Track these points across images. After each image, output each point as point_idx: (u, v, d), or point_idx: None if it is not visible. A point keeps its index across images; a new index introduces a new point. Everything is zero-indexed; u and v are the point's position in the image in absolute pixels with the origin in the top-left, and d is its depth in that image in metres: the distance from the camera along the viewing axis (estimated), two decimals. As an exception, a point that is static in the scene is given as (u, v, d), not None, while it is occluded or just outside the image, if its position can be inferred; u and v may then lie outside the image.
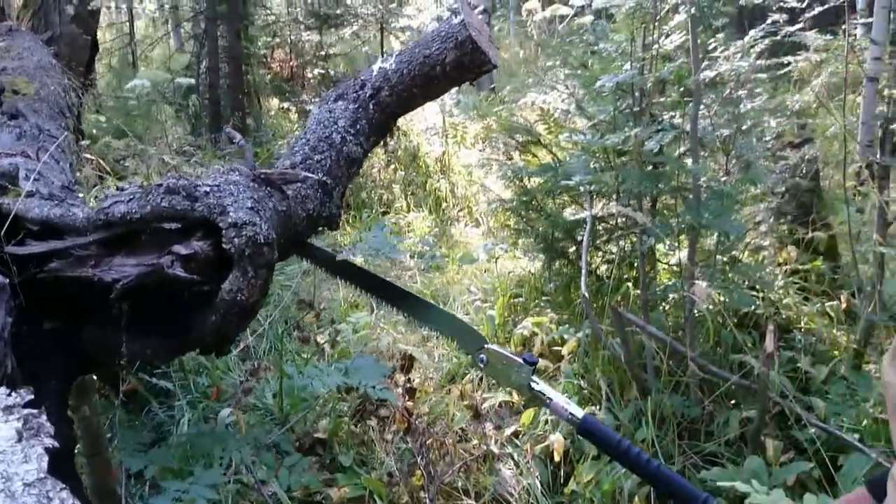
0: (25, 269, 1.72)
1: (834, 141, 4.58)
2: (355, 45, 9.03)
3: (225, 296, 1.57)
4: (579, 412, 1.54)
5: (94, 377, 2.46)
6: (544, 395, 1.58)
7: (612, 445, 1.49)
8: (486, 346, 1.66)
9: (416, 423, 3.27)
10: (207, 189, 1.60)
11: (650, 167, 3.38)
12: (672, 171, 3.28)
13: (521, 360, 1.60)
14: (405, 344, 3.93)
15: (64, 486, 0.98)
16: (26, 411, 1.07)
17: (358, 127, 2.12)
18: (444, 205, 6.96)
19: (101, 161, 4.29)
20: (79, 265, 1.67)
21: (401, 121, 7.81)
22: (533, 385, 1.59)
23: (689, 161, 3.16)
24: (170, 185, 1.59)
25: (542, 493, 2.99)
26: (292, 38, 9.08)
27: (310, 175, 1.86)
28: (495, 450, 3.20)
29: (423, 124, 8.07)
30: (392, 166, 7.42)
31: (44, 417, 1.06)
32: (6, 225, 1.75)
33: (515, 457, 3.18)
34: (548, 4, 7.60)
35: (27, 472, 0.97)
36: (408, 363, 3.59)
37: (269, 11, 9.30)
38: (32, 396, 1.11)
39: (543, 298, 4.25)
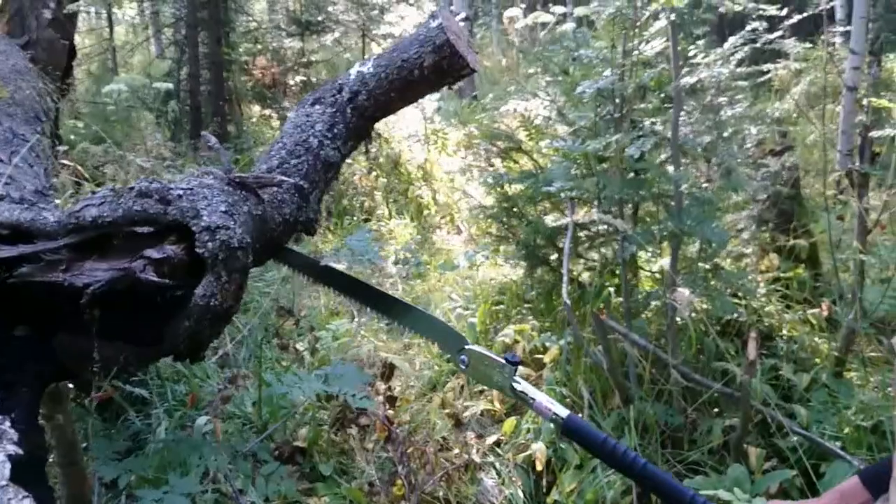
0: (-6, 274, 1.68)
1: (814, 149, 4.60)
2: (337, 51, 8.99)
3: (198, 301, 1.54)
4: (563, 411, 1.50)
5: (70, 385, 2.41)
6: (527, 394, 1.55)
7: (598, 444, 1.46)
8: (467, 346, 1.64)
9: (397, 432, 3.23)
10: (181, 192, 1.57)
11: (631, 174, 3.38)
12: (653, 178, 3.28)
13: (503, 361, 1.57)
14: (386, 352, 3.90)
15: (27, 493, 0.95)
16: (-12, 419, 1.04)
17: (335, 131, 2.09)
18: (425, 212, 6.94)
19: (80, 167, 4.24)
20: (49, 270, 1.64)
21: (382, 127, 7.81)
22: (515, 385, 1.56)
23: (670, 168, 3.15)
24: (142, 188, 1.56)
25: (524, 502, 2.96)
26: (274, 44, 9.02)
27: (286, 179, 1.83)
28: (477, 459, 3.17)
29: (404, 131, 8.05)
30: (374, 173, 7.38)
31: (7, 424, 1.03)
32: (-25, 229, 1.71)
33: (497, 466, 3.16)
34: (529, 12, 7.61)
35: (-13, 482, 0.94)
36: (388, 371, 3.56)
37: (250, 18, 9.25)
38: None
39: (525, 306, 4.23)
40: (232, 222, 1.56)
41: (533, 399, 1.55)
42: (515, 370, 1.57)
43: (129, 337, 1.67)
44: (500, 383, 1.58)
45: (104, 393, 2.34)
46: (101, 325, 1.61)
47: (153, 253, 1.51)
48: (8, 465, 0.98)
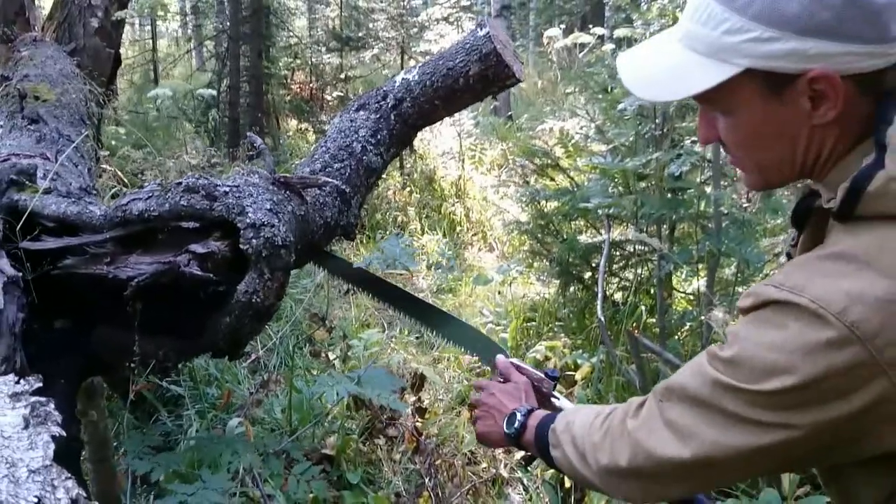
0: (39, 265, 1.70)
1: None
2: (375, 68, 9.08)
3: (240, 297, 1.54)
4: None
5: (104, 383, 2.43)
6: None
7: None
8: (506, 358, 1.61)
9: (425, 444, 3.22)
10: (227, 189, 1.58)
11: (669, 193, 3.36)
12: (692, 198, 3.25)
13: (542, 375, 1.53)
14: (416, 363, 3.89)
15: (70, 475, 0.96)
16: (34, 399, 1.05)
17: (379, 137, 2.10)
18: (458, 229, 6.94)
19: (119, 172, 4.30)
20: (93, 262, 1.66)
21: (417, 143, 7.85)
22: (554, 401, 1.52)
23: (709, 188, 3.13)
24: (189, 183, 1.58)
25: (551, 519, 2.93)
26: (313, 59, 9.14)
27: (329, 180, 1.84)
28: (505, 474, 3.15)
29: (439, 148, 8.08)
30: (408, 189, 7.41)
31: (52, 406, 1.04)
32: (22, 221, 1.74)
33: (525, 482, 3.13)
34: (568, 33, 7.64)
35: (32, 459, 0.94)
36: (419, 382, 3.55)
37: (291, 33, 9.37)
38: (41, 384, 1.08)
39: (557, 323, 4.21)
40: (276, 220, 1.57)
41: None
42: (555, 385, 1.54)
43: (170, 331, 1.68)
44: (537, 398, 1.53)
45: (143, 384, 2.35)
46: (141, 319, 1.62)
47: (198, 248, 1.52)
48: (52, 446, 0.99)
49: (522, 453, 3.04)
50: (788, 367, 0.90)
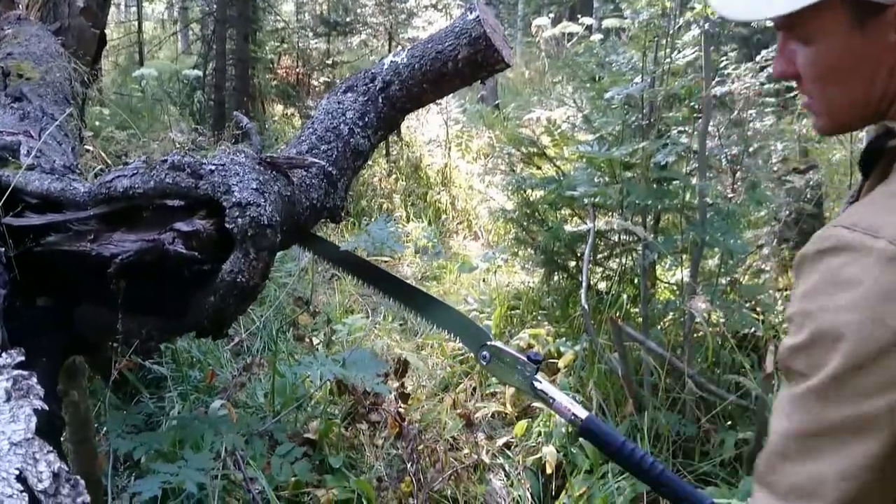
0: (22, 242, 1.69)
1: (839, 168, 4.58)
2: (362, 53, 9.03)
3: (225, 276, 1.53)
4: (583, 412, 1.47)
5: (85, 364, 2.42)
6: (547, 394, 1.52)
7: (616, 447, 1.43)
8: (489, 342, 1.61)
9: (408, 429, 3.23)
10: (213, 168, 1.57)
11: (655, 183, 3.37)
12: (677, 188, 3.27)
13: (524, 358, 1.54)
14: (400, 349, 3.90)
15: (51, 448, 0.95)
16: (16, 372, 1.04)
17: (366, 120, 2.09)
18: (443, 217, 6.94)
19: (103, 153, 4.26)
20: (77, 239, 1.64)
21: (404, 131, 7.83)
22: (536, 384, 1.53)
23: (694, 179, 3.15)
24: (175, 161, 1.56)
25: (532, 504, 2.95)
26: (300, 44, 9.08)
27: (316, 161, 1.83)
28: (486, 460, 3.16)
29: (426, 136, 8.06)
30: (393, 176, 7.40)
31: (34, 379, 1.03)
32: (5, 197, 1.72)
33: (507, 468, 3.14)
34: (556, 23, 7.62)
35: (14, 432, 0.93)
36: (402, 368, 3.55)
37: (277, 17, 9.30)
38: (23, 358, 1.07)
39: (541, 311, 4.22)
40: (262, 200, 1.56)
41: (553, 399, 1.51)
42: (537, 369, 1.54)
43: (153, 310, 1.67)
44: (520, 381, 1.56)
45: (126, 363, 2.34)
46: (125, 298, 1.61)
47: (183, 226, 1.51)
48: (34, 419, 0.98)
49: (505, 439, 3.04)
50: (879, 322, 0.79)
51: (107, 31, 5.35)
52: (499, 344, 1.61)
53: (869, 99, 0.95)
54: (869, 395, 0.79)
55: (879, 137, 0.97)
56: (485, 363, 1.61)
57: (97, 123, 5.43)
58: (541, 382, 1.54)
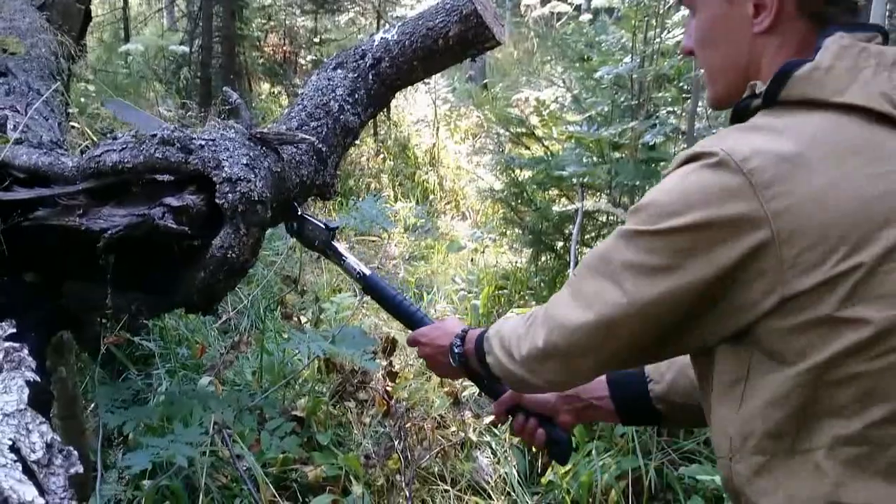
0: (10, 217, 1.67)
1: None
2: (351, 32, 8.98)
3: (215, 252, 1.53)
4: (367, 270, 1.78)
5: (73, 339, 2.41)
6: (341, 254, 1.79)
7: (390, 298, 1.75)
8: (300, 213, 1.82)
9: (396, 407, 3.24)
10: (203, 143, 1.57)
11: (644, 163, 3.37)
12: (666, 168, 3.27)
13: (322, 225, 1.79)
14: (388, 328, 3.90)
15: (44, 419, 0.95)
16: (7, 344, 1.04)
17: (356, 96, 2.08)
18: (431, 197, 6.94)
19: (88, 130, 4.23)
20: (66, 214, 1.63)
21: (392, 111, 7.80)
22: (334, 245, 1.80)
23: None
24: (165, 135, 1.56)
25: (518, 482, 2.96)
26: (287, 22, 9.01)
27: (307, 137, 1.82)
28: (473, 437, 3.18)
29: (414, 116, 8.04)
30: (381, 156, 7.38)
31: (25, 351, 1.03)
32: (-8, 171, 1.70)
33: (493, 445, 3.16)
34: (546, 2, 7.59)
35: (6, 403, 0.94)
36: (390, 346, 3.56)
37: (265, -6, 9.22)
38: (15, 330, 1.07)
39: (528, 291, 4.23)
40: (253, 175, 1.55)
41: (344, 258, 1.79)
42: (333, 235, 1.80)
43: (143, 286, 1.67)
44: (321, 244, 1.81)
45: (114, 338, 2.34)
46: (114, 273, 1.61)
47: (172, 201, 1.50)
48: (26, 391, 0.98)
49: (492, 417, 3.08)
50: (685, 208, 0.97)
51: (92, 7, 5.30)
52: (306, 214, 1.84)
53: (738, 63, 1.11)
54: (658, 252, 1.00)
55: (746, 98, 1.09)
56: (293, 233, 1.85)
57: (83, 100, 5.38)
58: (337, 244, 1.81)
